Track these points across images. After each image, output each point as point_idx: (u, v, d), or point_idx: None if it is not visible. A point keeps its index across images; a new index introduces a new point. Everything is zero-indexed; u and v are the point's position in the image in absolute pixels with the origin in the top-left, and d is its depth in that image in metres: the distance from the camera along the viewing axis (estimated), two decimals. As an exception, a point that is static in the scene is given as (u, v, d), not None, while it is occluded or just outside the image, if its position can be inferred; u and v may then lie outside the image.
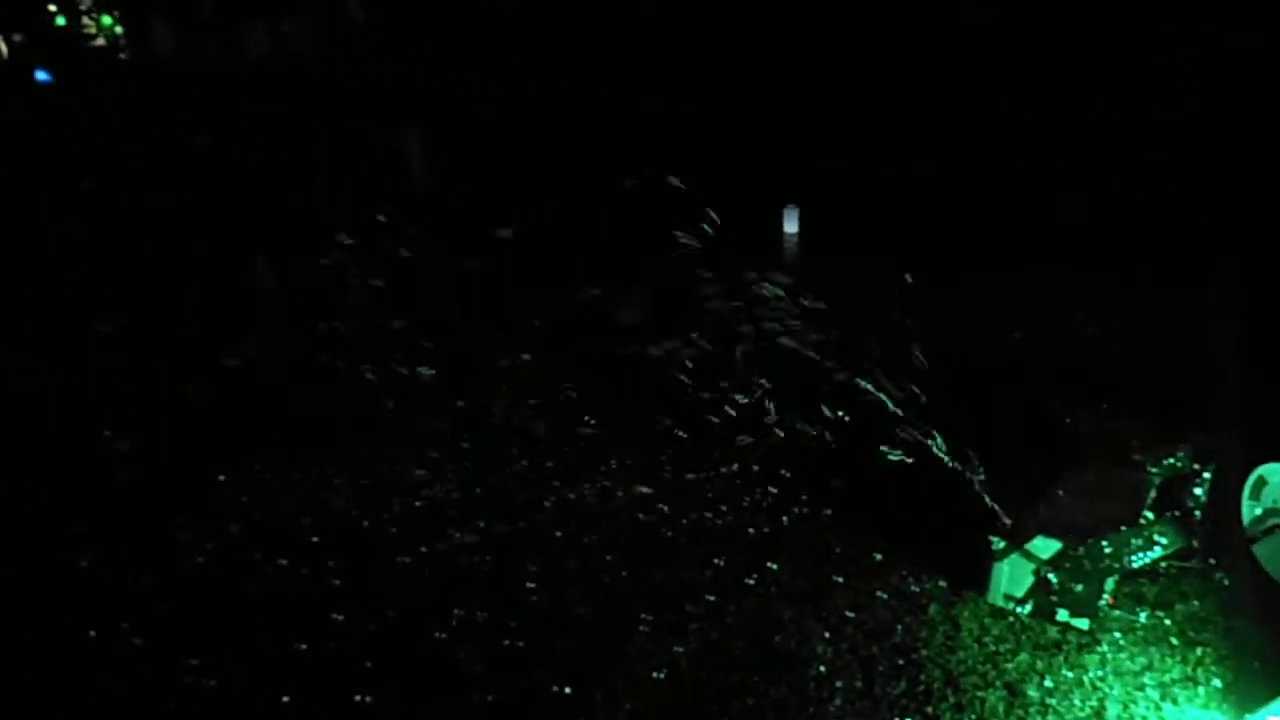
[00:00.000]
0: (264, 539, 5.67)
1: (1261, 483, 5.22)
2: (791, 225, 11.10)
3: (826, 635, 4.89)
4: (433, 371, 7.58)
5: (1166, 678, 4.54)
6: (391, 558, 5.49)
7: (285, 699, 4.51)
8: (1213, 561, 5.16)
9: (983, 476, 5.32)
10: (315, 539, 5.67)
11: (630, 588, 5.26)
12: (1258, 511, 5.23)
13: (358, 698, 4.50)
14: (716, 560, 5.48)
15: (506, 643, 4.82)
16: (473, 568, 5.42)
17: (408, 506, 5.97)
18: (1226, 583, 5.06)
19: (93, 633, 4.92)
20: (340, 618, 5.02)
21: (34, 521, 5.91)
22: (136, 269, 10.01)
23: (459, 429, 6.78)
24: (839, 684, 4.58)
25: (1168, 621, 4.85)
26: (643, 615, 5.02)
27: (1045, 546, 4.83)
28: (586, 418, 6.89)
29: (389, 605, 5.08)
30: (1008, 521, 5.02)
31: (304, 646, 4.84)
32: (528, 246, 9.99)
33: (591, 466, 6.29)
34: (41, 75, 22.68)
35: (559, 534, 5.72)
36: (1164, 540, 4.83)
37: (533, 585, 5.25)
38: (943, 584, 5.20)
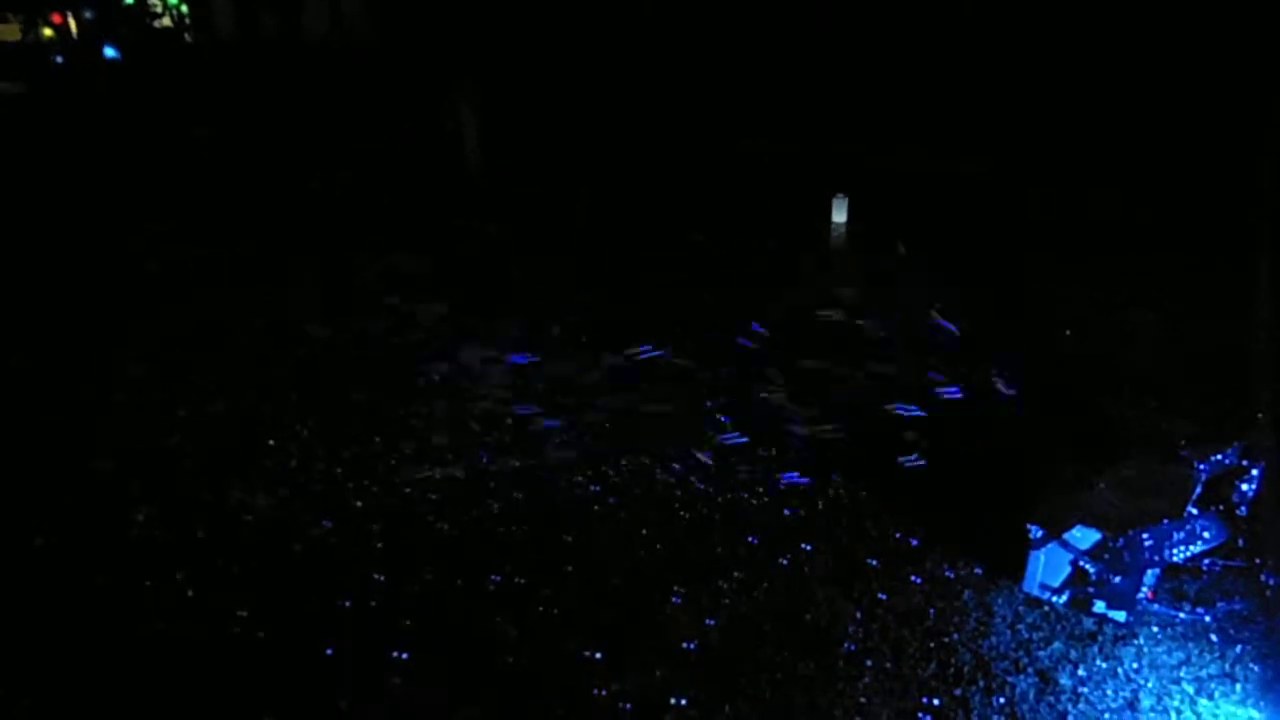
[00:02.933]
0: (311, 501, 5.86)
1: (1312, 483, 5.12)
2: (840, 215, 11.08)
3: (857, 616, 4.91)
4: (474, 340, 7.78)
5: (1203, 673, 4.48)
6: (433, 524, 5.63)
7: (329, 652, 4.66)
8: (1259, 561, 5.06)
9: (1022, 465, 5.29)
10: (360, 504, 5.85)
11: (664, 562, 5.32)
12: (1306, 512, 5.13)
13: (395, 654, 4.63)
14: (750, 539, 5.52)
15: (541, 609, 4.92)
16: (510, 537, 5.53)
17: (450, 476, 6.11)
18: (1272, 583, 4.96)
19: (148, 582, 5.13)
20: (381, 578, 5.17)
21: (91, 477, 6.17)
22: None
23: (502, 401, 6.93)
24: (868, 663, 4.60)
25: (1208, 619, 4.77)
26: (675, 588, 5.08)
27: (1084, 537, 4.78)
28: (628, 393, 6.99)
29: (428, 569, 5.21)
30: (1048, 510, 4.98)
31: (347, 604, 4.99)
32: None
33: (630, 443, 6.37)
34: (110, 52, 23.37)
35: (596, 508, 5.81)
36: (1207, 535, 4.76)
37: (569, 556, 5.34)
38: (978, 571, 5.18)
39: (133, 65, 22.70)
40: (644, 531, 5.58)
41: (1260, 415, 5.47)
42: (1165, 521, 4.70)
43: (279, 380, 7.35)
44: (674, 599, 5.02)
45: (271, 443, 6.50)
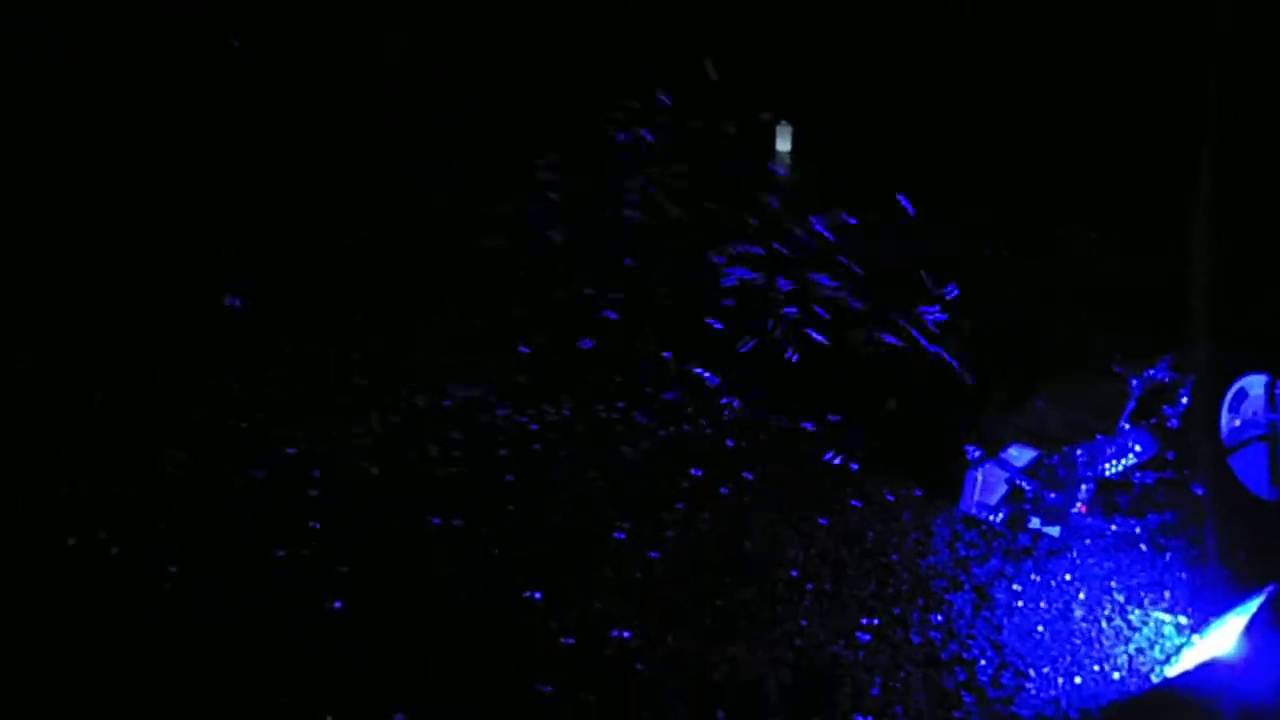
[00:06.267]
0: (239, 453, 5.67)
1: (1242, 394, 5.19)
2: (785, 143, 10.89)
3: (798, 541, 4.92)
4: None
5: (1133, 582, 4.58)
6: (366, 467, 5.49)
7: (261, 603, 4.54)
8: (1187, 472, 5.16)
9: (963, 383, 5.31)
10: (292, 451, 5.68)
11: (606, 497, 5.27)
12: (1236, 423, 5.21)
13: (330, 603, 4.53)
14: (694, 471, 5.49)
15: (479, 549, 4.84)
16: (449, 478, 5.42)
17: (387, 417, 5.96)
18: (1200, 493, 5.05)
19: (71, 540, 4.94)
20: (316, 525, 5.04)
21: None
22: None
23: (439, 339, 6.74)
24: (809, 587, 4.62)
25: (1138, 530, 4.87)
26: (618, 523, 5.04)
27: (1020, 455, 4.83)
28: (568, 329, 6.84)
29: (363, 515, 5.09)
30: (985, 431, 5.02)
31: (282, 553, 4.86)
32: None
33: (570, 380, 6.26)
34: None
35: (536, 446, 5.72)
36: (1139, 448, 4.83)
37: (508, 496, 5.26)
38: (917, 493, 5.22)
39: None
40: (586, 468, 5.52)
41: (1191, 330, 5.53)
42: (1098, 436, 4.75)
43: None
44: (616, 534, 4.98)
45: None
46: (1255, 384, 5.21)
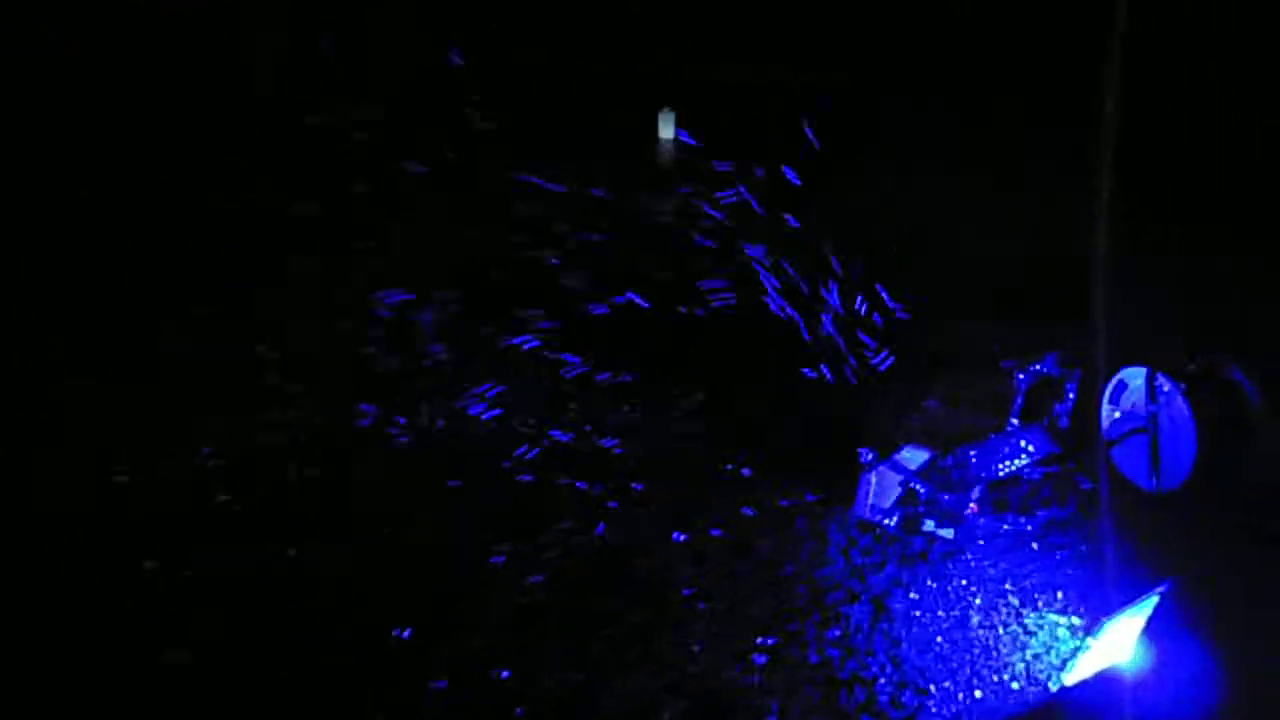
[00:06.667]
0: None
1: (1122, 386, 5.21)
2: (668, 130, 10.61)
3: (690, 556, 4.64)
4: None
5: (1027, 584, 4.49)
6: (209, 499, 4.89)
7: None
8: (1072, 465, 5.14)
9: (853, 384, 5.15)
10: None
11: (479, 516, 4.85)
12: (1116, 415, 5.23)
13: (172, 652, 3.96)
14: (576, 483, 5.13)
15: (336, 582, 4.34)
16: (299, 503, 4.88)
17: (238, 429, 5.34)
18: (1086, 487, 5.04)
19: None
20: (151, 563, 4.43)
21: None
22: None
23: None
24: (702, 606, 4.34)
25: (1029, 528, 4.80)
26: (495, 546, 4.63)
27: (913, 457, 4.68)
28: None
29: (207, 551, 4.51)
30: (878, 433, 4.86)
31: (116, 595, 4.25)
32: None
33: (432, 381, 5.76)
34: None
35: (399, 463, 5.23)
36: (1031, 448, 4.75)
37: (366, 518, 4.77)
38: (810, 498, 5.01)
39: None
40: (458, 485, 5.08)
41: (1077, 323, 5.53)
42: (991, 437, 4.65)
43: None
44: (493, 559, 4.57)
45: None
46: (1134, 376, 5.25)
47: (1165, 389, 5.00)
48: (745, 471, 5.25)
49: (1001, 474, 4.68)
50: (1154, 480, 5.02)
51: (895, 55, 11.03)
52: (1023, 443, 4.72)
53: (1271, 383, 5.01)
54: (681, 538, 4.74)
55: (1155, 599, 3.90)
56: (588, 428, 5.61)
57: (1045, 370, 5.16)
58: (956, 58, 10.37)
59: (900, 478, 4.70)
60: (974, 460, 4.62)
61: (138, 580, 4.32)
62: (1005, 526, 4.77)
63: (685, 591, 4.40)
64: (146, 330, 6.36)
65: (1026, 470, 4.78)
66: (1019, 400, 5.09)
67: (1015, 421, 4.96)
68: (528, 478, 5.18)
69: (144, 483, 4.96)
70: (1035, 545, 4.72)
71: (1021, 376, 5.17)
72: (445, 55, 9.17)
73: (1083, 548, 4.71)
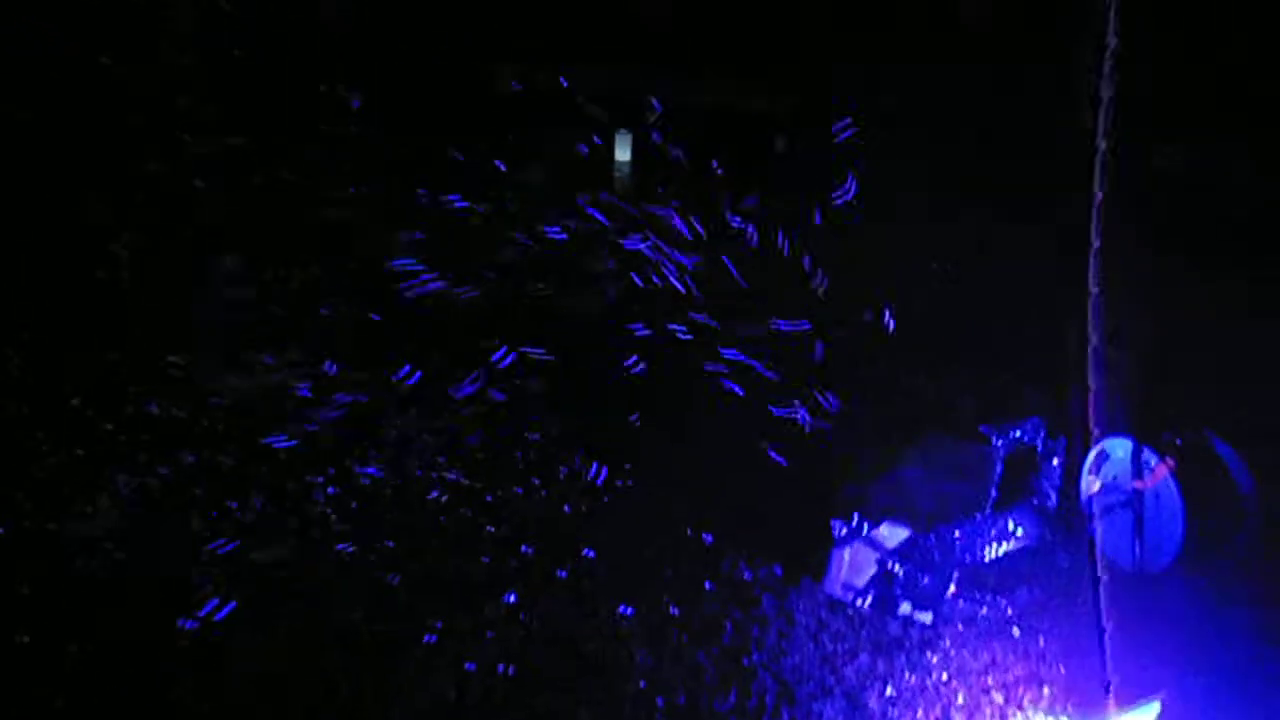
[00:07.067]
0: None
1: (1103, 457, 4.93)
2: (624, 152, 10.22)
3: (646, 639, 4.18)
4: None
5: (1010, 677, 4.15)
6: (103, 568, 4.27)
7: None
8: (1050, 540, 4.84)
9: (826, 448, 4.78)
10: None
11: (413, 586, 4.33)
12: (1096, 486, 4.95)
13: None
14: (523, 547, 4.65)
15: (239, 679, 3.77)
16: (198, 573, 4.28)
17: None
18: (1065, 563, 4.74)
19: None
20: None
21: None
22: None
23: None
24: (659, 701, 3.89)
25: (1009, 610, 4.47)
26: (427, 622, 4.11)
27: (891, 535, 4.31)
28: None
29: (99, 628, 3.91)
30: (850, 502, 4.49)
31: None
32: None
33: (366, 430, 5.21)
34: None
35: (325, 510, 4.68)
36: (1020, 532, 4.42)
37: (286, 583, 4.22)
38: (777, 571, 4.61)
39: None
40: (385, 545, 4.55)
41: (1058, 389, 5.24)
42: (976, 517, 4.31)
43: None
44: (426, 637, 4.05)
45: None
46: (1117, 447, 4.98)
47: (1151, 463, 4.73)
48: (707, 537, 4.82)
49: (987, 559, 4.34)
50: (1139, 560, 4.74)
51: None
52: (1010, 524, 4.40)
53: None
54: (637, 615, 4.28)
55: (1156, 706, 3.58)
56: (536, 480, 5.14)
57: (1026, 438, 4.86)
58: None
59: (876, 555, 4.33)
60: (958, 541, 4.27)
61: None
62: (983, 610, 4.43)
63: (640, 684, 3.95)
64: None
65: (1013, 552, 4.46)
66: (998, 469, 4.78)
67: (995, 493, 4.64)
68: (467, 540, 4.68)
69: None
70: (1015, 631, 4.39)
71: (1000, 443, 4.87)
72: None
73: (1063, 632, 4.40)
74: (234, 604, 3.97)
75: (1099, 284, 5.13)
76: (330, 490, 4.90)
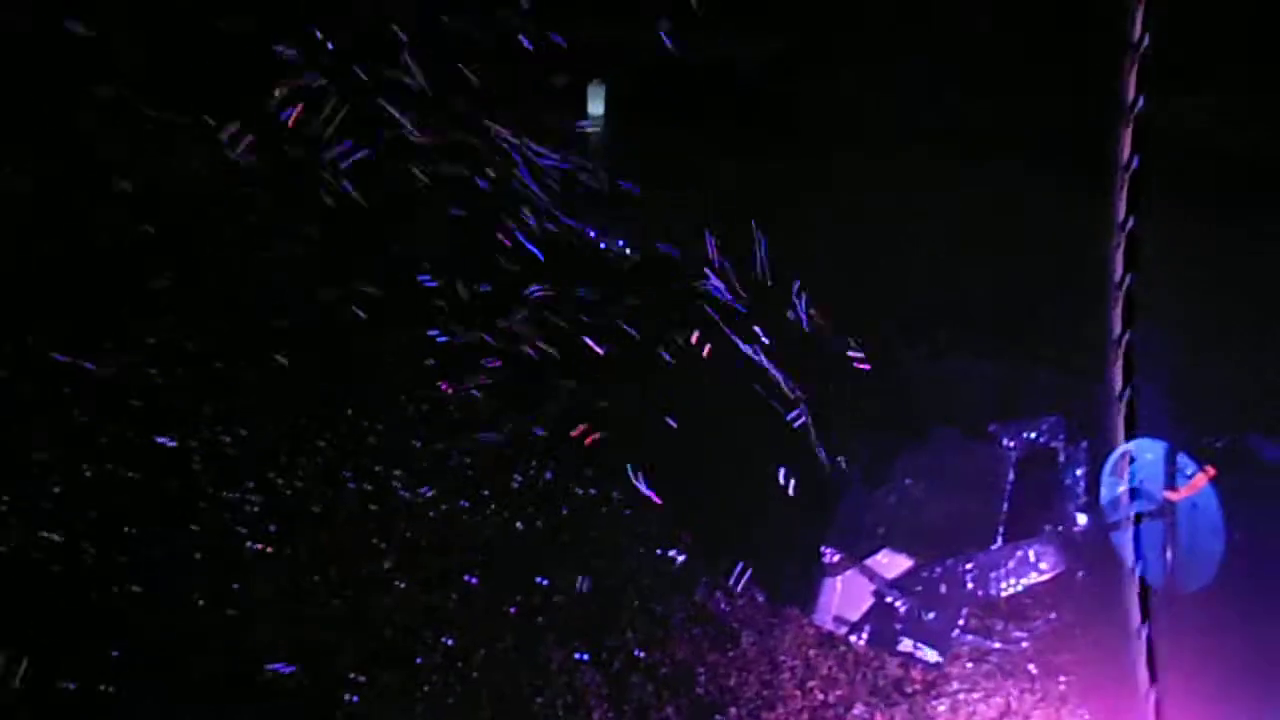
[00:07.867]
0: None
1: (1126, 459, 4.33)
2: (597, 106, 9.45)
3: (606, 688, 3.62)
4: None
5: (1028, 727, 3.60)
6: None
7: None
8: (1073, 562, 4.24)
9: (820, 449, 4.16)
10: None
11: (345, 622, 3.75)
12: (1117, 492, 4.35)
13: None
14: (468, 575, 4.06)
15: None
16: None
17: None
18: (1088, 584, 4.16)
19: None
20: None
21: None
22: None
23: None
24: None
25: (1025, 644, 3.90)
26: (352, 677, 3.54)
27: (891, 563, 3.72)
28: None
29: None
30: (843, 523, 3.89)
31: None
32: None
33: (297, 441, 4.54)
34: None
35: (261, 544, 4.07)
36: (1043, 564, 3.82)
37: (207, 612, 3.64)
38: (760, 600, 4.02)
39: None
40: (318, 580, 3.95)
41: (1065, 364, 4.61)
42: (991, 550, 3.70)
43: None
44: (351, 696, 3.48)
45: None
46: (1146, 449, 4.38)
47: (1188, 471, 4.14)
48: (678, 555, 4.23)
49: (1004, 594, 3.75)
50: (1172, 580, 4.17)
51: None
52: (1032, 555, 3.78)
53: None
54: (597, 663, 3.71)
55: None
56: (486, 491, 4.52)
57: (1042, 440, 4.25)
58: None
59: (873, 586, 3.75)
60: (969, 575, 3.67)
61: None
62: (995, 644, 3.85)
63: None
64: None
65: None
66: (1010, 478, 4.18)
67: (1007, 507, 4.03)
68: (405, 565, 4.09)
69: None
70: (1032, 668, 3.82)
71: (1011, 445, 4.27)
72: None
73: (1088, 662, 3.84)
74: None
75: (1126, 262, 4.52)
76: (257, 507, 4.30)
